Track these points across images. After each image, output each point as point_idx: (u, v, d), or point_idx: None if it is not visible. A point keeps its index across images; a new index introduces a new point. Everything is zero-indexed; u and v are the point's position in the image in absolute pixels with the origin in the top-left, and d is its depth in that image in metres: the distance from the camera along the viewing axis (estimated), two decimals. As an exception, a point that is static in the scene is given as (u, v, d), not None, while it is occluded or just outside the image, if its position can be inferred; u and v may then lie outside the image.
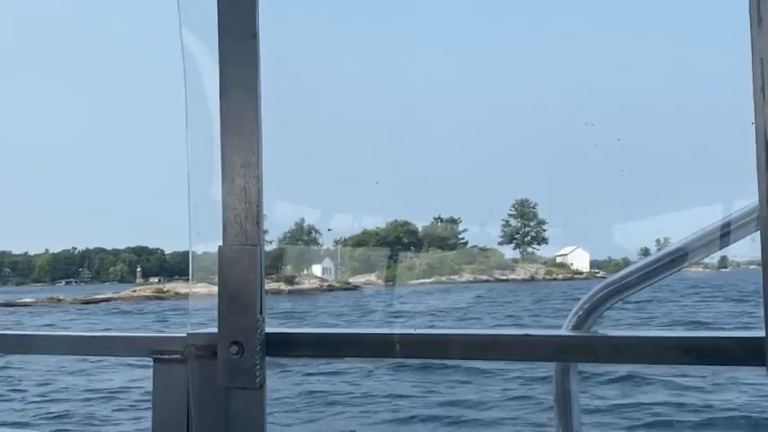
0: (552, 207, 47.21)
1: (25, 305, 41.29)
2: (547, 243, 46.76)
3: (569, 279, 43.25)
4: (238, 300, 1.50)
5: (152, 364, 1.63)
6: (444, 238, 46.93)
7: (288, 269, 42.43)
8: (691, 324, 20.69)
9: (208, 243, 1.60)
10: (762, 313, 1.17)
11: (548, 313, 25.94)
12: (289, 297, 37.48)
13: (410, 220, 46.89)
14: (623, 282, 1.44)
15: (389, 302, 36.35)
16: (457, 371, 14.17)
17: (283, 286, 39.30)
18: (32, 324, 29.57)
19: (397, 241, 45.57)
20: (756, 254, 1.17)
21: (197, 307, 1.69)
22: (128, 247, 66.56)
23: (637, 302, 23.33)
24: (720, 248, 1.38)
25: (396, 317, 28.88)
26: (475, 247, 46.72)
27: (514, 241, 46.44)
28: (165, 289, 45.66)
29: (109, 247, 67.84)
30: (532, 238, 46.44)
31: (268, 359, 1.51)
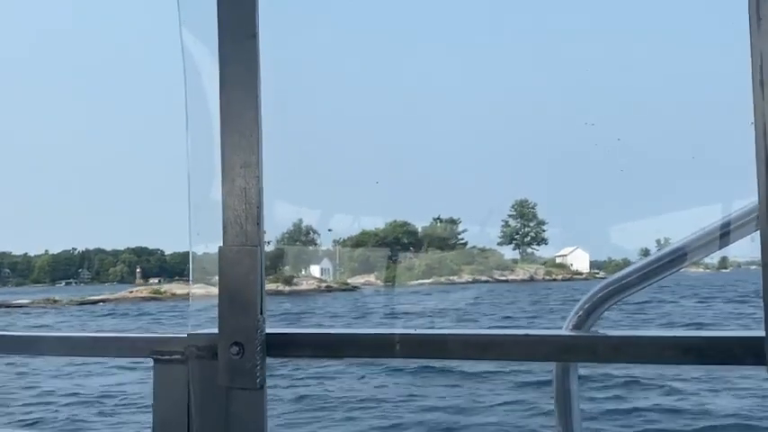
0: (552, 207, 47.21)
1: (20, 306, 41.08)
2: (546, 243, 46.74)
3: (569, 280, 43.21)
4: (239, 300, 1.50)
5: (152, 364, 1.63)
6: (444, 239, 46.90)
7: (286, 270, 42.40)
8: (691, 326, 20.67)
9: (208, 244, 1.60)
10: (762, 314, 1.17)
11: (545, 314, 25.96)
12: (287, 298, 37.45)
13: (409, 221, 46.88)
14: (623, 282, 1.44)
15: (387, 303, 36.33)
16: (447, 375, 14.14)
17: (281, 287, 39.27)
18: (22, 326, 29.42)
19: (397, 242, 45.54)
20: (756, 254, 1.17)
21: (197, 307, 1.69)
22: (128, 248, 66.46)
23: (637, 303, 23.32)
24: (720, 248, 1.38)
25: (392, 318, 28.85)
26: (474, 247, 46.69)
27: (514, 242, 46.42)
28: (163, 290, 45.47)
29: (109, 248, 67.80)
30: (532, 238, 46.42)
31: (268, 360, 1.51)
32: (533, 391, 12.79)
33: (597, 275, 41.08)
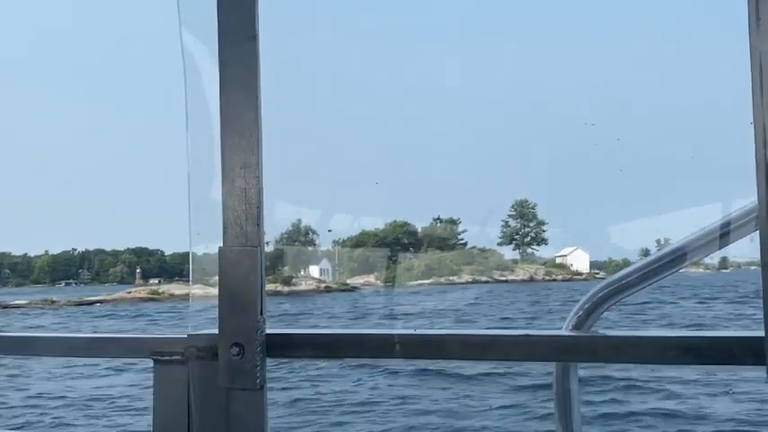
0: (552, 207, 47.17)
1: (18, 306, 40.94)
2: (546, 244, 46.68)
3: (569, 280, 43.17)
4: (239, 301, 1.50)
5: (151, 365, 1.63)
6: (443, 239, 46.87)
7: (285, 270, 42.36)
8: (691, 327, 20.65)
9: (208, 244, 1.60)
10: (762, 314, 1.17)
11: (543, 315, 25.93)
12: (285, 298, 37.41)
13: (409, 221, 46.84)
14: (623, 282, 1.45)
15: (386, 304, 36.30)
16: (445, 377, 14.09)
17: (280, 287, 39.23)
18: (18, 326, 29.32)
19: (396, 242, 45.51)
20: (756, 254, 1.17)
21: (197, 308, 1.69)
22: (128, 249, 66.45)
23: (637, 304, 23.29)
24: (720, 248, 1.38)
25: (391, 318, 28.81)
26: (474, 247, 46.64)
27: (514, 242, 46.36)
28: (161, 291, 45.32)
29: (109, 249, 67.79)
30: (532, 238, 46.36)
31: (268, 360, 1.51)
32: (528, 394, 12.73)
33: (597, 276, 41.04)
